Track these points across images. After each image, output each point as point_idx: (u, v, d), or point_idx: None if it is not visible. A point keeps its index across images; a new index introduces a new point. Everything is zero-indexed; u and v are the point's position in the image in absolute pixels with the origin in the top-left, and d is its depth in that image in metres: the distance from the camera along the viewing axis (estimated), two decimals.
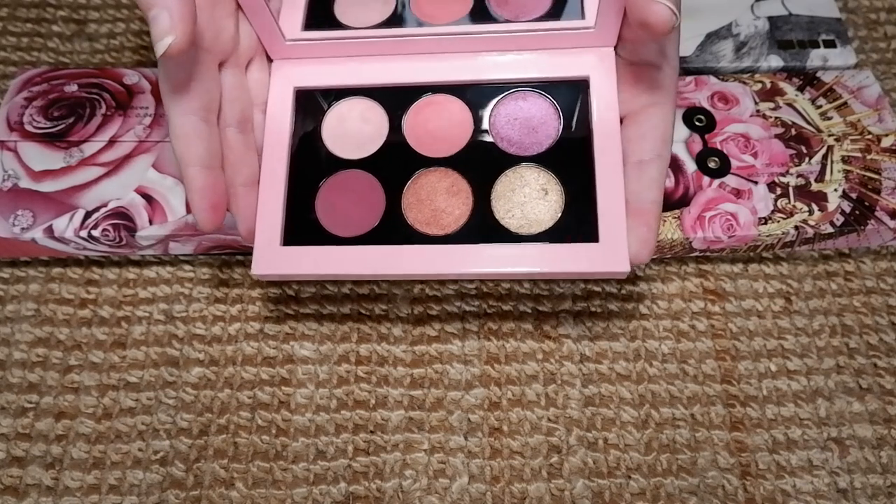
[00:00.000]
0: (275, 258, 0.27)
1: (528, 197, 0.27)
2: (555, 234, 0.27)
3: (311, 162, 0.29)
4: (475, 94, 0.29)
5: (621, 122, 0.28)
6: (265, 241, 0.28)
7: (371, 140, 0.29)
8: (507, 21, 0.29)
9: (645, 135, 0.27)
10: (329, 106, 0.30)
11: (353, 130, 0.29)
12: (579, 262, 0.26)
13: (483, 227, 0.27)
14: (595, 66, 0.28)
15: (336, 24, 0.30)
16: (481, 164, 0.28)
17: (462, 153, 0.28)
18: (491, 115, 0.29)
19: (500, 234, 0.27)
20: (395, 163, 0.29)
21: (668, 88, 0.27)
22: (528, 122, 0.29)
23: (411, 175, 0.28)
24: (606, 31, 0.27)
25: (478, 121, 0.29)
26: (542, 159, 0.28)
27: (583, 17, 0.28)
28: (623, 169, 0.27)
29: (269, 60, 0.30)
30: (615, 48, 0.28)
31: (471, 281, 0.35)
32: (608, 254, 0.26)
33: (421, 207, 0.28)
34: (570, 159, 0.28)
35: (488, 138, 0.29)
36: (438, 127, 0.29)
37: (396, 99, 0.29)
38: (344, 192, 0.28)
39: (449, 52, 0.29)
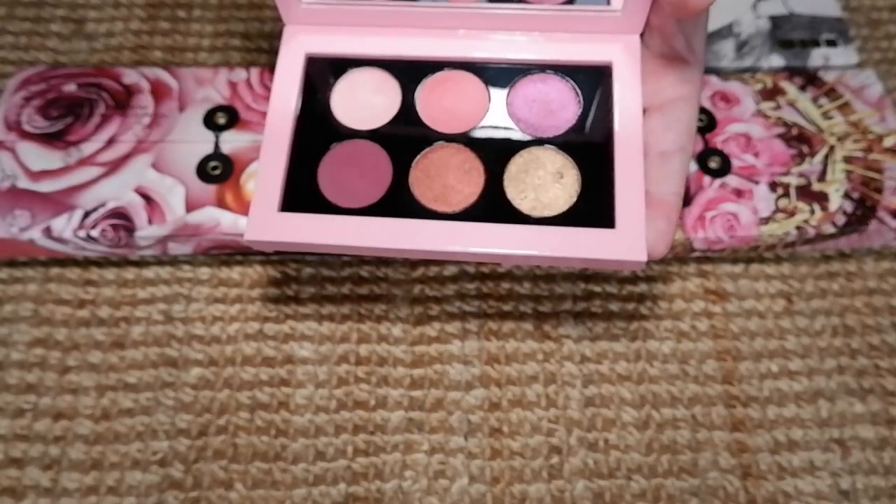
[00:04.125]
0: (270, 224, 0.26)
1: (543, 180, 0.27)
2: (569, 219, 0.26)
3: (317, 129, 0.28)
4: (493, 73, 0.28)
5: (645, 113, 0.27)
6: (261, 205, 0.26)
7: (382, 112, 0.28)
8: (532, 3, 0.28)
9: (669, 127, 0.26)
10: (341, 75, 0.29)
11: (365, 101, 0.29)
12: (593, 248, 0.25)
13: (493, 207, 0.26)
14: (619, 52, 0.27)
15: None
16: (495, 143, 0.28)
17: (476, 131, 0.28)
18: (508, 94, 0.28)
19: (512, 216, 0.26)
20: (406, 136, 0.28)
21: (694, 83, 0.27)
22: (547, 104, 0.28)
23: (421, 150, 0.28)
24: (633, 18, 0.27)
25: (494, 100, 0.28)
26: (559, 143, 0.27)
27: (609, 2, 0.28)
28: (644, 160, 0.26)
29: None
30: (644, 39, 0.28)
31: (471, 281, 0.35)
32: (624, 241, 0.25)
33: (430, 183, 0.27)
34: (589, 144, 0.27)
35: (504, 118, 0.28)
36: (453, 103, 0.28)
37: (412, 72, 0.29)
38: (350, 162, 0.28)
39: (469, 29, 0.29)
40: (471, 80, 0.29)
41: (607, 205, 0.26)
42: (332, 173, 0.27)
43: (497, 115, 0.28)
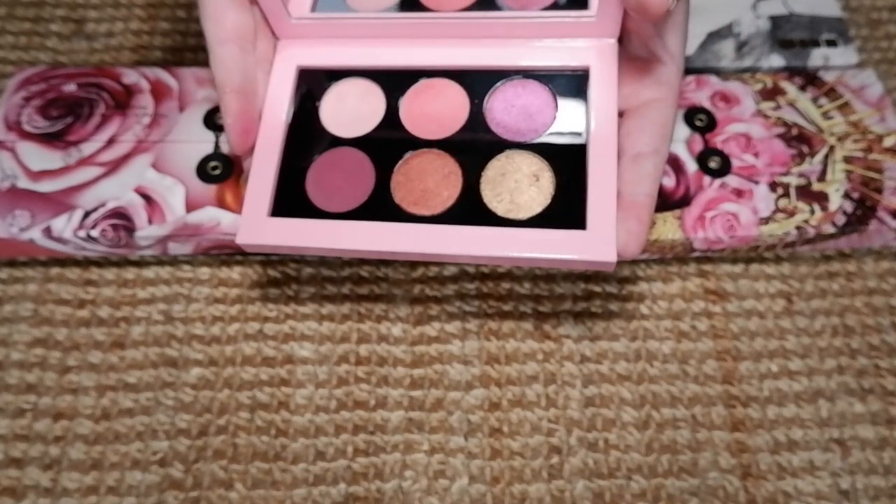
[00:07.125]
0: (260, 228, 0.28)
1: (519, 183, 0.27)
2: (542, 221, 0.27)
3: (306, 138, 0.29)
4: (474, 80, 0.29)
5: (622, 115, 0.27)
6: (252, 211, 0.28)
7: (367, 120, 0.29)
8: (513, 10, 0.29)
9: (643, 129, 0.27)
10: (330, 85, 0.30)
11: (351, 110, 0.30)
12: (564, 249, 0.26)
13: (471, 210, 0.27)
14: (595, 56, 0.28)
15: (345, 10, 0.30)
16: (474, 148, 0.28)
17: (456, 136, 0.29)
18: (488, 100, 0.29)
19: (488, 218, 0.27)
20: (389, 143, 0.29)
21: (672, 85, 0.27)
22: (526, 109, 0.28)
23: (403, 155, 0.29)
24: (608, 21, 0.27)
25: (474, 105, 0.29)
26: (537, 147, 0.28)
27: (587, 7, 0.28)
28: (619, 162, 0.26)
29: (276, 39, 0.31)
30: (620, 42, 0.28)
31: (471, 281, 0.35)
32: (594, 242, 0.25)
33: (410, 187, 0.28)
34: (565, 148, 0.27)
35: (484, 123, 0.29)
36: (435, 110, 0.29)
37: (396, 81, 0.30)
38: (335, 168, 0.29)
39: (451, 38, 0.29)
40: (452, 87, 0.29)
41: (580, 207, 0.26)
42: (318, 179, 0.29)
43: (476, 121, 0.29)
